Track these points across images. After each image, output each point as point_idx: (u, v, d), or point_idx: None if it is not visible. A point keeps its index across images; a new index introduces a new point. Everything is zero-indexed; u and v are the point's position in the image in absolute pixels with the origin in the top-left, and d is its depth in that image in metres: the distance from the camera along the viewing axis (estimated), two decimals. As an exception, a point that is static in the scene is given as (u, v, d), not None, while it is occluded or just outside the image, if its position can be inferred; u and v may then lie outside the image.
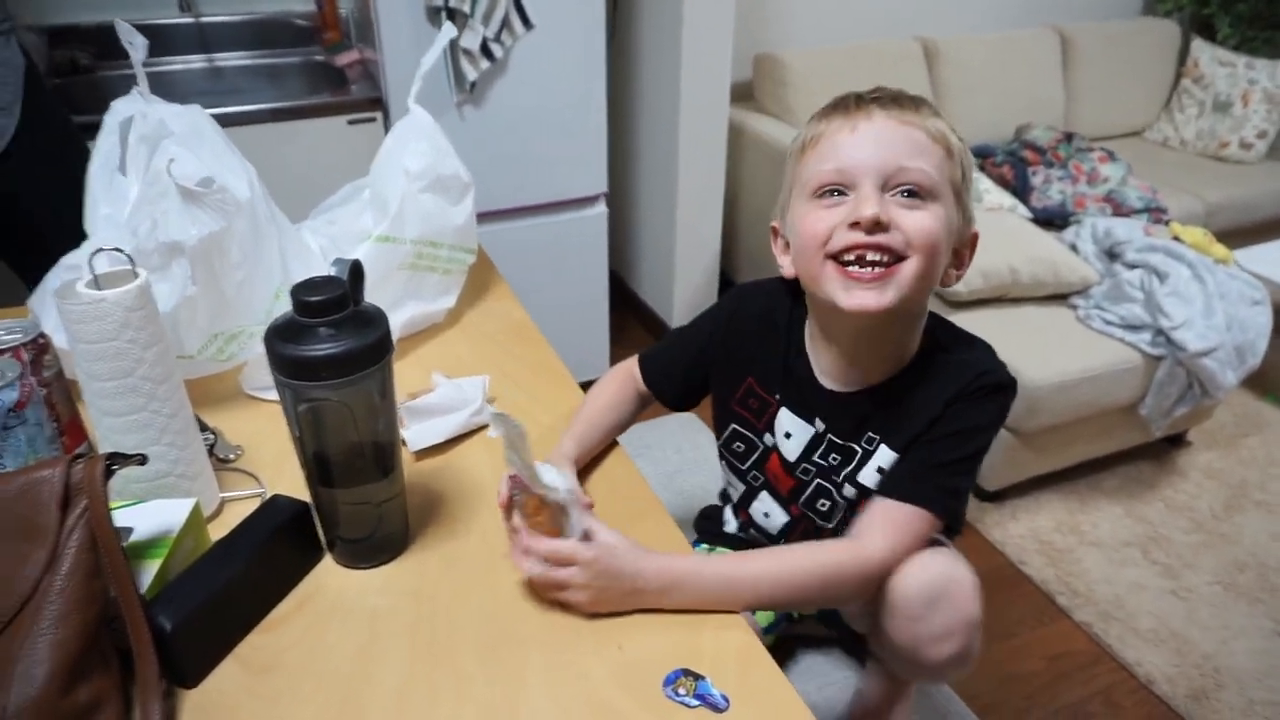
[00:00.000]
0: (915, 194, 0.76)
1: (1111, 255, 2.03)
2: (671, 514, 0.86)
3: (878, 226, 0.74)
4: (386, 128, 1.91)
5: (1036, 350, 1.82)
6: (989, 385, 0.82)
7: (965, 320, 1.92)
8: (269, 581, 0.76)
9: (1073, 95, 3.00)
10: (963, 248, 0.83)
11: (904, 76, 2.68)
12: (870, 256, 0.76)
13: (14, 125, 1.37)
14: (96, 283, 0.73)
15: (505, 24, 1.84)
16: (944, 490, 0.82)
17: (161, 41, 2.09)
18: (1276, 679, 1.57)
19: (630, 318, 2.75)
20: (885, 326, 0.82)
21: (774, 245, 0.91)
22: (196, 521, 0.78)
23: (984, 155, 2.65)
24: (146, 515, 0.76)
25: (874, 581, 0.80)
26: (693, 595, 0.74)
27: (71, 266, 0.97)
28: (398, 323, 1.10)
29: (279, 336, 0.69)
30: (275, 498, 0.79)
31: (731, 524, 1.06)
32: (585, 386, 1.05)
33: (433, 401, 0.94)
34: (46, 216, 1.41)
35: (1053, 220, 2.38)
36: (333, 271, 0.73)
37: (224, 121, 1.74)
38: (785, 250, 0.88)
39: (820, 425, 0.89)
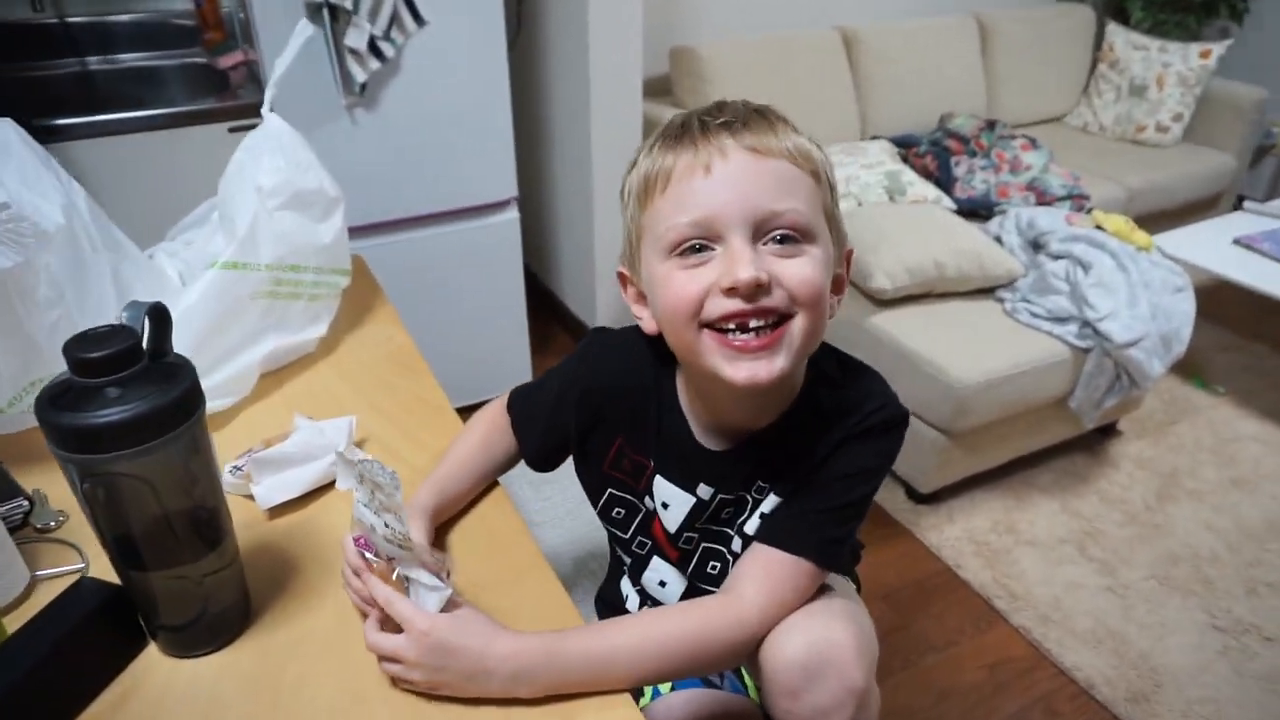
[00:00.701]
0: (791, 238, 0.65)
1: (1036, 246, 1.99)
2: (569, 559, 0.76)
3: (758, 289, 0.64)
4: (272, 135, 1.77)
5: (964, 348, 1.77)
6: (880, 423, 0.74)
7: (891, 318, 1.86)
8: (74, 678, 0.65)
9: (993, 82, 2.98)
10: (840, 270, 0.73)
11: (824, 66, 2.62)
12: (753, 323, 0.65)
13: None
14: None
15: (395, 20, 1.71)
16: (827, 539, 0.72)
17: (23, 43, 1.92)
18: (1211, 675, 1.54)
19: (554, 324, 2.65)
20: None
21: (624, 294, 0.79)
22: (-16, 618, 0.65)
23: (908, 145, 2.61)
24: (-81, 617, 0.63)
25: (750, 641, 0.69)
26: (548, 681, 0.63)
27: None
28: (256, 357, 0.98)
29: (52, 403, 0.57)
30: (82, 581, 0.67)
31: (633, 598, 0.92)
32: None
33: (288, 450, 0.83)
34: None
35: (977, 210, 2.34)
36: (124, 316, 0.61)
37: (92, 131, 1.61)
38: (640, 300, 0.76)
39: (705, 492, 0.79)
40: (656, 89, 2.64)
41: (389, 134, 1.84)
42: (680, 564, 0.85)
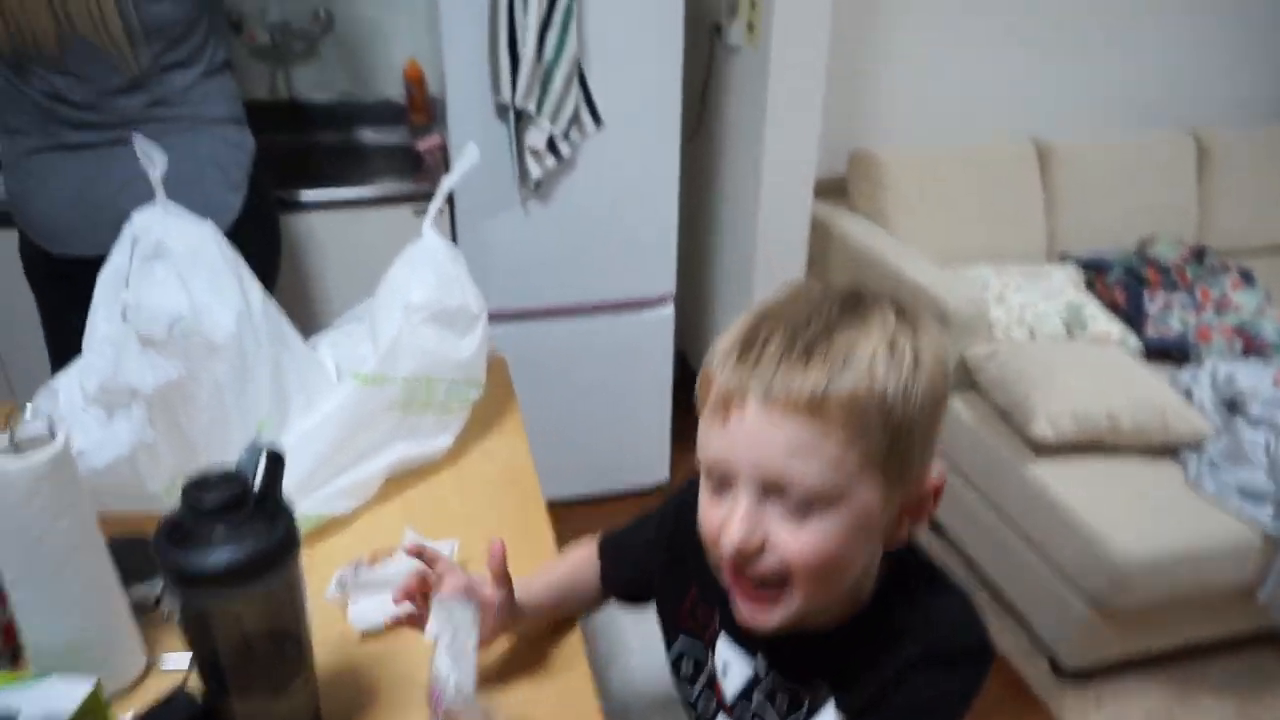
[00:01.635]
0: (805, 501, 0.61)
1: (1233, 407, 1.79)
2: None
3: (747, 555, 0.62)
4: (453, 217, 1.89)
5: (1133, 514, 1.60)
6: (957, 651, 0.67)
7: (1052, 469, 1.72)
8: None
9: (1207, 205, 2.72)
10: (920, 501, 0.66)
11: (1012, 179, 2.50)
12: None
13: (240, 204, 1.47)
14: (15, 447, 0.69)
15: (575, 121, 1.79)
16: None
17: (259, 117, 2.16)
18: None
19: (700, 414, 2.64)
20: None
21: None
22: (94, 706, 0.71)
23: (1098, 269, 2.43)
24: (39, 696, 0.70)
25: None
26: None
27: (51, 391, 0.95)
28: (382, 465, 1.03)
29: (167, 538, 0.62)
30: (176, 696, 0.72)
31: None
32: (640, 495, 0.96)
33: (387, 574, 0.86)
34: None
35: (1170, 353, 2.13)
36: (241, 459, 0.66)
37: (294, 207, 1.78)
38: None
39: (762, 663, 0.75)
40: (834, 189, 2.61)
41: (557, 226, 1.92)
42: None
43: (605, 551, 0.91)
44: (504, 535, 0.98)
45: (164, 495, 0.94)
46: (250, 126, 1.54)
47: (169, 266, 0.95)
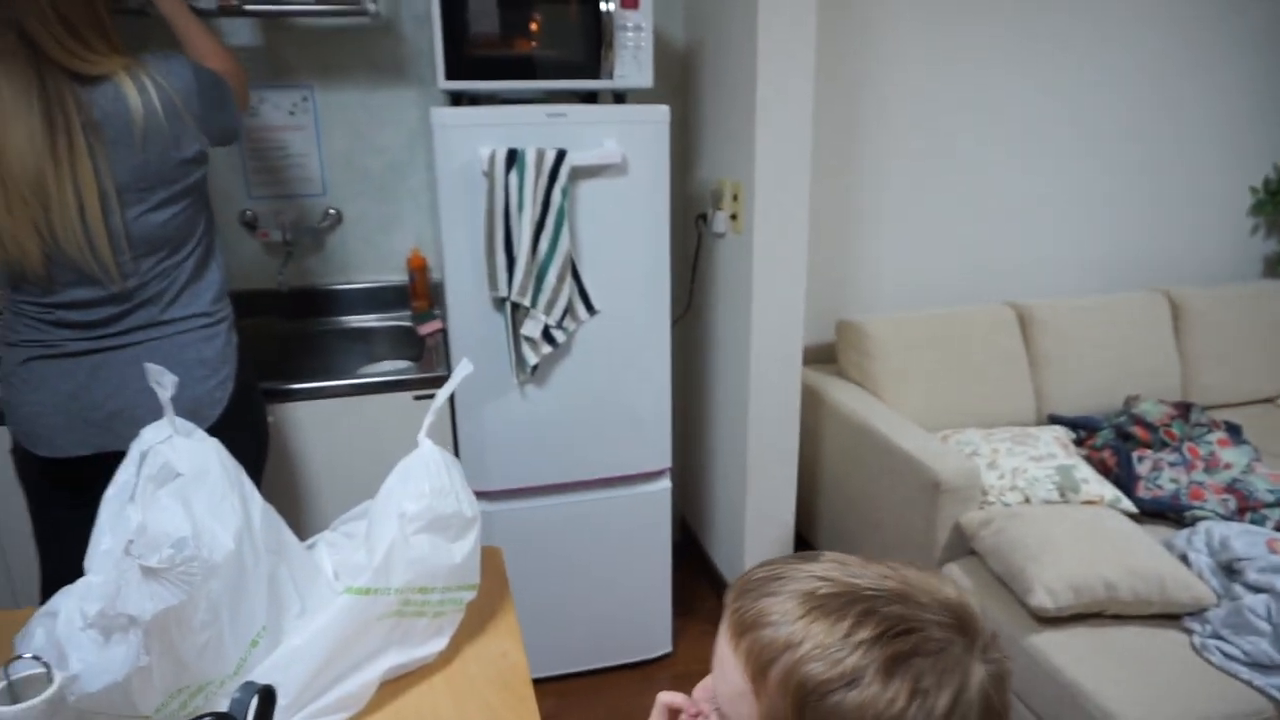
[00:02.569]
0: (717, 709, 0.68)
1: (1230, 571, 1.78)
2: None
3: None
4: (453, 404, 1.96)
5: (1140, 688, 1.57)
6: None
7: (1054, 640, 1.70)
8: None
9: (1189, 362, 2.80)
10: None
11: (996, 343, 2.58)
12: None
13: (227, 398, 1.53)
14: (11, 689, 0.71)
15: (569, 311, 1.89)
16: None
17: (265, 305, 2.27)
18: None
19: (702, 583, 2.62)
20: None
21: None
22: None
23: (1087, 428, 2.47)
24: None
25: None
26: None
27: (50, 613, 0.97)
28: (375, 674, 1.04)
29: (156, 787, 0.64)
30: None
31: None
32: (642, 666, 0.95)
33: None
34: None
35: (1164, 514, 2.14)
36: (234, 698, 0.68)
37: (292, 396, 1.85)
38: None
39: None
40: (823, 357, 2.70)
41: (555, 407, 1.99)
42: None
43: None
44: (495, 748, 0.98)
45: (155, 716, 0.95)
46: (254, 314, 1.63)
47: (174, 490, 1.00)
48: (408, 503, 1.08)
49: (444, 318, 2.23)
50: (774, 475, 2.31)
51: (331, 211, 2.29)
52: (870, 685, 0.58)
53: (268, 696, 0.69)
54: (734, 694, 0.64)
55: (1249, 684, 1.60)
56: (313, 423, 1.89)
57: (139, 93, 1.37)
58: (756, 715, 0.63)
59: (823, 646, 0.60)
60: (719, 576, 2.55)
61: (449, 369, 1.97)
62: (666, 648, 2.29)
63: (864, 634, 0.60)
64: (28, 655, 0.72)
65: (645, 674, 2.26)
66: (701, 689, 0.72)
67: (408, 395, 1.94)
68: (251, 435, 1.63)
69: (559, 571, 2.11)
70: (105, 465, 1.39)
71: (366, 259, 2.37)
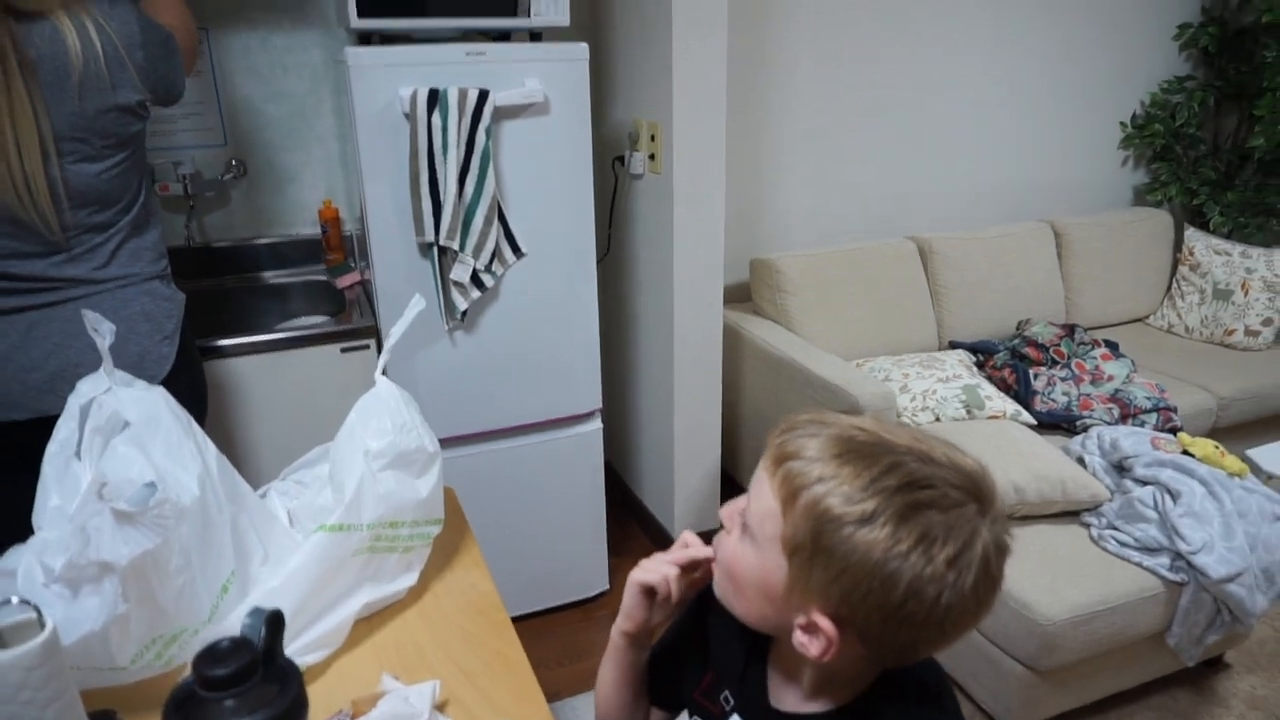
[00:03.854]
0: (744, 524, 0.75)
1: (1121, 469, 1.96)
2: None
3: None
4: (379, 354, 1.93)
5: (1049, 579, 1.73)
6: None
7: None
8: None
9: (1071, 286, 3.02)
10: (807, 626, 0.71)
11: (899, 276, 2.71)
12: None
13: (174, 354, 1.48)
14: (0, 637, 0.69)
15: (496, 255, 1.88)
16: None
17: (181, 263, 2.16)
18: None
19: (633, 524, 2.68)
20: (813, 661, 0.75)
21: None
22: None
23: (986, 352, 2.64)
24: None
25: None
26: None
27: (6, 572, 0.93)
28: (352, 610, 1.04)
29: (177, 712, 0.64)
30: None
31: None
32: (581, 604, 0.99)
33: (374, 720, 0.87)
34: None
35: (1059, 425, 2.32)
36: (244, 625, 0.68)
37: (218, 353, 1.79)
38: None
39: None
40: (737, 296, 2.77)
41: (484, 353, 1.98)
42: None
43: (651, 666, 0.98)
44: (480, 666, 1.01)
45: (130, 666, 0.93)
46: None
47: (128, 438, 0.97)
48: (371, 440, 1.07)
49: (362, 269, 2.19)
50: (700, 412, 2.37)
51: (235, 163, 2.19)
52: (883, 526, 0.65)
53: (277, 619, 0.69)
54: (764, 512, 0.71)
55: (1140, 565, 1.77)
56: (242, 379, 1.83)
57: (78, 32, 1.28)
58: (779, 534, 0.70)
59: (849, 485, 0.66)
60: (648, 515, 2.62)
61: (375, 319, 1.93)
62: (604, 585, 2.35)
63: (887, 482, 0.66)
64: (15, 600, 0.70)
65: (585, 612, 2.32)
66: (728, 507, 0.78)
67: (335, 348, 1.90)
68: (192, 393, 1.58)
69: (496, 517, 2.13)
70: (45, 430, 1.33)
71: (275, 212, 2.29)
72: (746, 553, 0.75)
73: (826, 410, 0.75)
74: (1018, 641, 1.70)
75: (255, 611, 0.69)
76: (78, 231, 1.39)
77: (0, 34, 1.23)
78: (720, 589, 0.80)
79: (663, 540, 2.53)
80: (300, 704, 0.67)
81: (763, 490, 0.73)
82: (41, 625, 0.71)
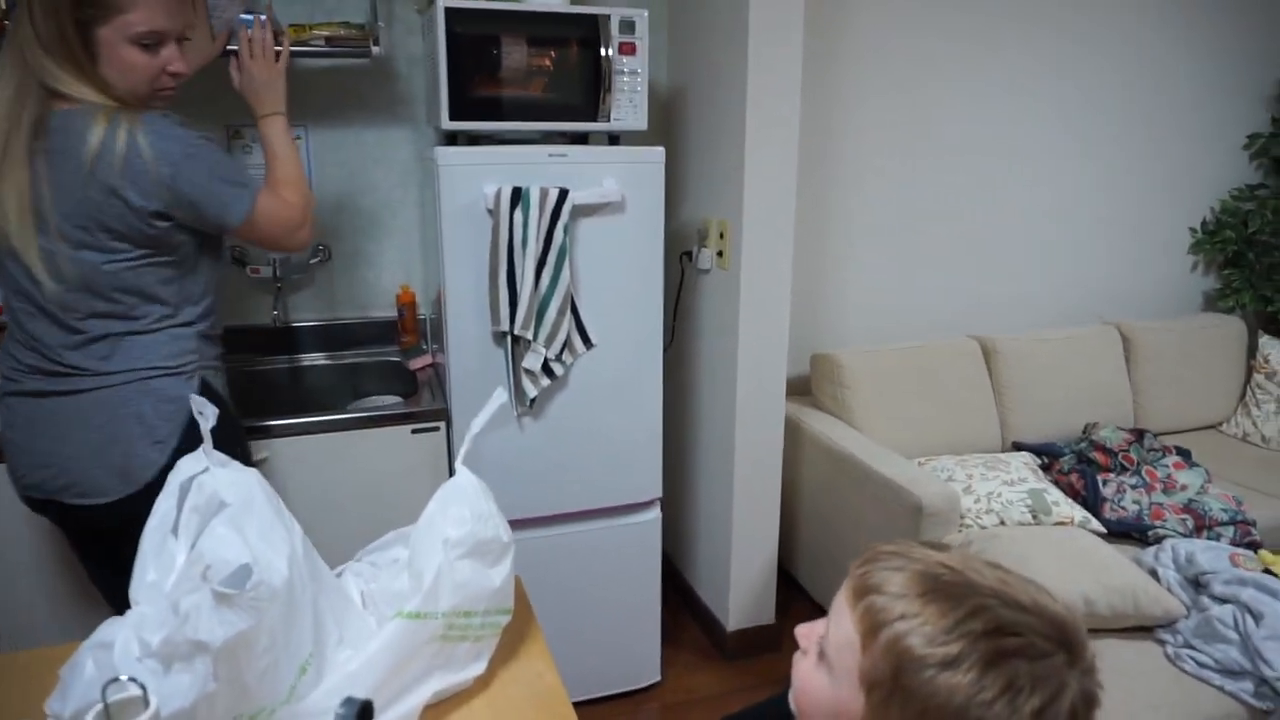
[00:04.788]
0: (820, 650, 0.76)
1: (1197, 585, 1.89)
2: None
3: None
4: (449, 438, 1.98)
5: (1123, 698, 1.66)
6: None
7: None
8: None
9: (1140, 391, 2.96)
10: None
11: (962, 375, 2.70)
12: None
13: (165, 459, 1.43)
14: (107, 712, 0.73)
15: (567, 345, 1.93)
16: None
17: (258, 342, 2.28)
18: None
19: (686, 615, 2.66)
20: None
21: None
22: None
23: (1051, 455, 2.59)
24: None
25: None
26: None
27: (103, 644, 0.97)
28: (422, 698, 1.06)
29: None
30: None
31: None
32: (632, 695, 0.98)
33: (442, 814, 0.88)
34: None
35: (1129, 534, 2.26)
36: (339, 714, 0.71)
37: (293, 431, 1.85)
38: None
39: None
40: (798, 389, 2.79)
41: (550, 438, 2.02)
42: None
43: None
44: (546, 765, 1.01)
45: (214, 744, 0.96)
46: (245, 350, 1.59)
47: (226, 518, 1.02)
48: (450, 529, 1.10)
49: (434, 352, 2.26)
50: (758, 506, 2.37)
51: (322, 248, 2.31)
52: (968, 672, 0.64)
53: (366, 711, 0.72)
54: (843, 642, 0.72)
55: (1221, 689, 1.70)
56: (312, 457, 1.89)
57: (108, 134, 1.34)
58: (857, 667, 0.70)
59: (932, 625, 0.66)
60: (702, 607, 2.59)
61: (445, 403, 1.99)
62: (655, 677, 2.32)
63: (973, 626, 0.65)
64: (124, 677, 0.74)
65: (635, 702, 2.28)
66: (806, 629, 0.78)
67: (406, 429, 1.95)
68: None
69: (551, 602, 2.13)
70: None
71: (355, 295, 2.39)
72: (822, 680, 0.75)
73: (912, 542, 0.75)
74: (1090, 765, 1.63)
75: (348, 702, 0.72)
76: (83, 315, 1.41)
77: (32, 106, 1.33)
78: (795, 708, 0.80)
79: (716, 632, 2.50)
80: (386, 796, 0.69)
81: (843, 621, 0.73)
82: (146, 704, 0.74)
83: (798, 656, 0.80)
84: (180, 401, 1.46)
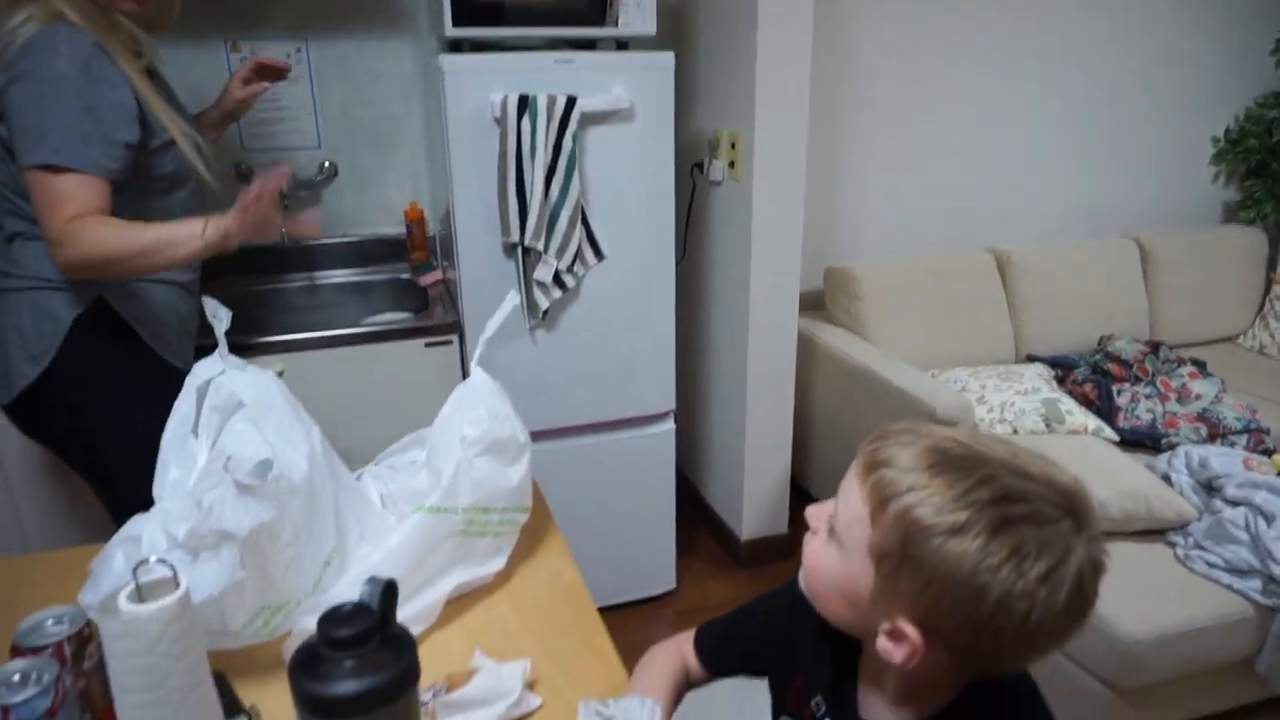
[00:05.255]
0: (831, 528, 0.76)
1: (1210, 489, 1.90)
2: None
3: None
4: (462, 351, 1.99)
5: (1134, 597, 1.68)
6: None
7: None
8: None
9: (1156, 303, 2.93)
10: (892, 633, 0.71)
11: (976, 287, 2.68)
12: None
13: (35, 374, 1.42)
14: (139, 592, 0.74)
15: (578, 256, 1.92)
16: None
17: (267, 261, 2.27)
18: None
19: (701, 527, 2.70)
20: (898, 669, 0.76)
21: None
22: (209, 842, 0.74)
23: (1064, 367, 2.58)
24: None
25: None
26: None
27: (131, 538, 0.99)
28: (444, 591, 1.08)
29: (302, 668, 0.68)
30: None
31: None
32: (648, 602, 1.01)
33: (470, 695, 0.91)
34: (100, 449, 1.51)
35: (1142, 442, 2.26)
36: (363, 592, 0.72)
37: (309, 345, 1.86)
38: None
39: None
40: (811, 303, 2.77)
41: (563, 351, 2.02)
42: None
43: (705, 640, 1.02)
44: (568, 651, 1.04)
45: (240, 631, 0.98)
46: (254, 270, 1.55)
47: (245, 416, 1.03)
48: (467, 428, 1.11)
49: (444, 268, 2.25)
50: (772, 418, 2.38)
51: (327, 165, 2.28)
52: (975, 538, 0.65)
53: (390, 590, 0.73)
54: (852, 518, 0.72)
55: (1229, 588, 1.72)
56: (327, 372, 1.90)
57: (15, 21, 1.29)
58: (866, 541, 0.70)
59: (940, 495, 0.66)
60: (716, 518, 2.63)
61: (458, 317, 1.99)
62: (671, 584, 2.37)
63: (980, 494, 0.66)
64: (153, 559, 0.75)
65: (652, 609, 2.34)
66: (815, 509, 0.79)
67: (419, 342, 1.96)
68: (73, 415, 1.49)
69: (568, 514, 2.13)
70: None
71: (362, 212, 2.37)
72: (832, 557, 0.75)
73: (920, 421, 0.75)
74: (1098, 659, 1.66)
75: (372, 580, 0.73)
76: (2, 211, 1.39)
77: None
78: (806, 588, 0.81)
79: (730, 543, 2.54)
80: (413, 670, 0.71)
81: (852, 496, 0.73)
82: (176, 585, 0.76)
83: (808, 537, 0.80)
84: (58, 322, 1.42)
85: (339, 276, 2.33)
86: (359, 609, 0.70)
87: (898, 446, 0.72)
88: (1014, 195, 2.98)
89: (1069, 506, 0.67)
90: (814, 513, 0.80)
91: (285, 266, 2.29)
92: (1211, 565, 1.76)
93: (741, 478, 2.42)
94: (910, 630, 0.69)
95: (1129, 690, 1.67)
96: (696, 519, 2.71)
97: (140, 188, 1.45)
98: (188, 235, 1.39)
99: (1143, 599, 1.68)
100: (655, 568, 2.32)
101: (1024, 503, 0.66)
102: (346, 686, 0.67)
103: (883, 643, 0.71)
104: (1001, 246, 2.79)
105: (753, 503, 2.45)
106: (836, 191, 2.76)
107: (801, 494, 2.63)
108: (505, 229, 1.85)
